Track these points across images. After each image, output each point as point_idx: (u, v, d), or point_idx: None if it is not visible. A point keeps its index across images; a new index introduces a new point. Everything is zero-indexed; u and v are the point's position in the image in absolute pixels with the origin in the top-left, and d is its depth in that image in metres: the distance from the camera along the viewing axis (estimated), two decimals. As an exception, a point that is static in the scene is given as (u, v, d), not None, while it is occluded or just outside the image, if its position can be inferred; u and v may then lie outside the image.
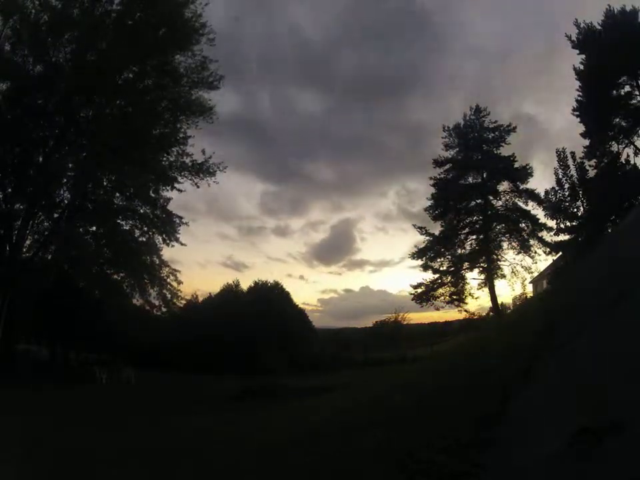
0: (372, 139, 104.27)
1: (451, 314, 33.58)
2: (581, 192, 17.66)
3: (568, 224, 18.27)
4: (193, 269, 73.64)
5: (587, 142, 20.26)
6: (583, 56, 20.10)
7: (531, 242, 28.35)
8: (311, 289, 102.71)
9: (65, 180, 20.45)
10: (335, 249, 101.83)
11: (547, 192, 18.72)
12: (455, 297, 29.48)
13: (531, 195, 28.11)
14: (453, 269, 30.00)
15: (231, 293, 36.31)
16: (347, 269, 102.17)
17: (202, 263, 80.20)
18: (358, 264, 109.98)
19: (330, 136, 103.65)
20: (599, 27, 19.54)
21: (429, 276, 30.12)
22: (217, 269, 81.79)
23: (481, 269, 29.59)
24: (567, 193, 17.65)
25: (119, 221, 22.05)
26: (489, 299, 28.90)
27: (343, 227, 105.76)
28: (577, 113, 20.53)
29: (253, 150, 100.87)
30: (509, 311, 26.80)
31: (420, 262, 30.25)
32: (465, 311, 29.45)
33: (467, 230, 30.23)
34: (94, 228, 21.95)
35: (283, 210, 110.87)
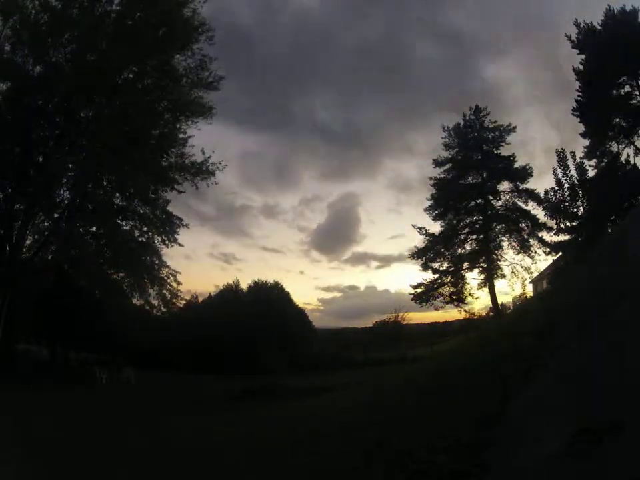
0: (391, 54, 72.49)
1: (451, 314, 33.60)
2: (580, 192, 17.63)
3: (568, 224, 18.23)
4: (179, 262, 69.87)
5: (586, 142, 20.30)
6: (583, 56, 20.09)
7: (531, 242, 28.38)
8: (312, 286, 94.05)
9: (65, 180, 20.44)
10: (335, 238, 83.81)
11: (546, 192, 18.68)
12: (454, 297, 29.48)
13: (531, 195, 28.11)
14: (452, 268, 30.00)
15: (230, 292, 36.31)
16: (351, 264, 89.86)
17: (188, 255, 72.09)
18: (362, 259, 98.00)
19: (332, 50, 71.68)
20: (599, 27, 19.52)
21: (428, 276, 30.17)
22: (206, 262, 74.74)
23: (480, 269, 29.60)
24: (566, 193, 17.62)
25: (118, 221, 22.06)
26: (489, 298, 28.95)
27: (344, 206, 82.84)
28: (577, 112, 20.52)
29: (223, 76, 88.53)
30: (509, 311, 26.79)
31: (420, 262, 30.31)
32: (465, 311, 29.46)
33: (467, 230, 30.24)
34: (94, 228, 21.95)
35: (269, 179, 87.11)
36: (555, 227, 19.18)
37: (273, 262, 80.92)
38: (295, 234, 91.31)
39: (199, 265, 70.33)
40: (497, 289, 28.77)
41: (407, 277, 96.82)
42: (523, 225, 28.73)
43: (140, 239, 21.99)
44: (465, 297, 29.50)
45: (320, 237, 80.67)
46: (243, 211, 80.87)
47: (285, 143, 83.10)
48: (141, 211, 21.99)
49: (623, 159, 19.04)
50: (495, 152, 29.94)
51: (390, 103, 73.85)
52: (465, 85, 70.78)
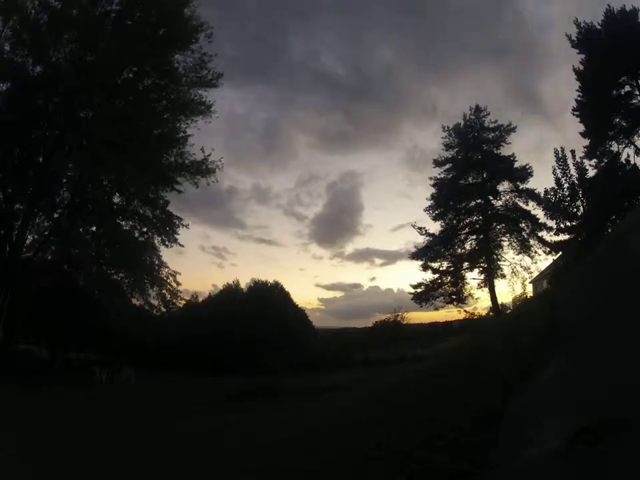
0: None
1: (451, 314, 33.64)
2: (580, 192, 17.65)
3: (568, 224, 18.24)
4: (170, 258, 66.51)
5: (586, 142, 20.32)
6: (583, 56, 20.11)
7: (531, 242, 28.46)
8: (313, 284, 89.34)
9: (65, 180, 20.46)
10: (336, 230, 74.14)
11: (546, 192, 18.73)
12: (454, 297, 29.52)
13: (531, 195, 28.16)
14: (452, 268, 30.05)
15: (230, 292, 36.33)
16: (354, 261, 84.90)
17: (179, 250, 70.41)
18: (365, 255, 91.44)
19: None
20: (599, 27, 19.54)
21: (429, 276, 30.21)
22: (197, 257, 69.69)
23: (481, 269, 29.65)
24: (566, 193, 17.64)
25: (118, 221, 22.09)
26: (489, 298, 28.98)
27: (346, 188, 67.42)
28: (577, 113, 20.55)
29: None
30: (508, 311, 26.79)
31: (420, 262, 30.35)
32: (465, 310, 29.51)
33: (467, 230, 30.31)
34: (94, 228, 21.99)
35: (257, 151, 69.12)
36: (555, 227, 19.21)
37: (270, 256, 73.67)
38: (292, 223, 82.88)
39: (190, 259, 66.00)
40: (497, 289, 28.86)
41: (412, 275, 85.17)
42: (523, 224, 28.80)
43: (140, 239, 22.03)
44: (465, 296, 29.61)
45: (319, 228, 71.87)
46: (231, 196, 67.40)
47: (277, 102, 63.28)
48: (141, 211, 22.03)
49: (623, 158, 19.08)
50: (495, 152, 29.99)
51: (409, 48, 54.94)
52: (501, 26, 55.89)
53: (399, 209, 76.41)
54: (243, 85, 56.67)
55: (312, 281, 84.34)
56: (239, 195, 66.77)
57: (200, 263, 68.95)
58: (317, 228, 70.20)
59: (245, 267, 79.57)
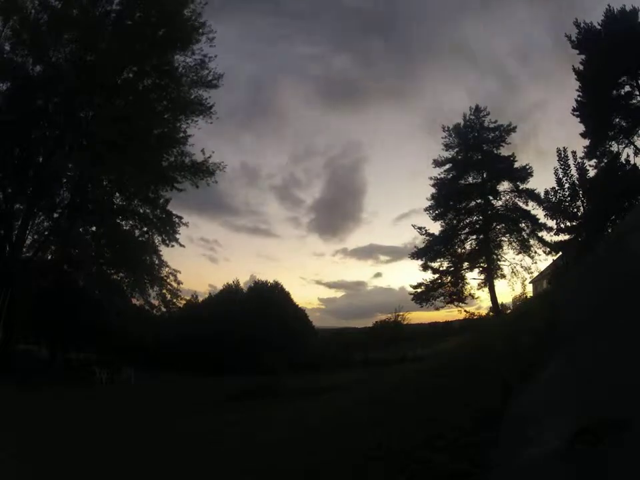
0: None
1: (451, 314, 33.63)
2: (581, 192, 17.64)
3: (568, 224, 18.23)
4: (165, 254, 62.38)
5: (587, 142, 20.32)
6: (583, 56, 20.12)
7: (531, 242, 28.48)
8: (313, 282, 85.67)
9: (65, 180, 20.47)
10: (336, 217, 65.08)
11: (546, 192, 18.72)
12: (454, 297, 29.53)
13: (531, 195, 28.18)
14: (452, 268, 30.05)
15: (230, 292, 36.35)
16: (357, 257, 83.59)
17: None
18: (368, 252, 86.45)
19: None
20: (599, 27, 19.55)
21: (429, 276, 30.22)
22: (187, 251, 65.63)
23: (481, 269, 29.66)
24: (567, 193, 17.62)
25: (118, 221, 22.09)
26: (489, 298, 28.99)
27: (348, 166, 59.13)
28: (577, 113, 20.54)
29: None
30: (509, 311, 26.80)
31: (420, 262, 30.35)
32: (465, 310, 29.52)
33: (467, 230, 30.32)
34: (94, 228, 22.00)
35: (242, 117, 57.79)
36: (555, 227, 19.20)
37: (268, 251, 71.97)
38: (288, 209, 75.02)
39: (182, 255, 62.02)
40: (497, 289, 28.88)
41: (416, 273, 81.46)
42: (523, 225, 28.82)
43: (140, 239, 22.04)
44: (465, 296, 29.61)
45: (318, 215, 65.64)
46: (217, 177, 63.30)
47: (264, 44, 51.01)
48: (140, 210, 22.05)
49: (623, 158, 19.07)
50: (495, 152, 30.00)
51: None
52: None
53: (408, 192, 65.98)
54: (218, 20, 39.03)
55: (312, 278, 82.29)
56: (224, 175, 53.25)
57: (191, 259, 64.23)
58: (316, 216, 63.58)
59: (241, 263, 75.21)
